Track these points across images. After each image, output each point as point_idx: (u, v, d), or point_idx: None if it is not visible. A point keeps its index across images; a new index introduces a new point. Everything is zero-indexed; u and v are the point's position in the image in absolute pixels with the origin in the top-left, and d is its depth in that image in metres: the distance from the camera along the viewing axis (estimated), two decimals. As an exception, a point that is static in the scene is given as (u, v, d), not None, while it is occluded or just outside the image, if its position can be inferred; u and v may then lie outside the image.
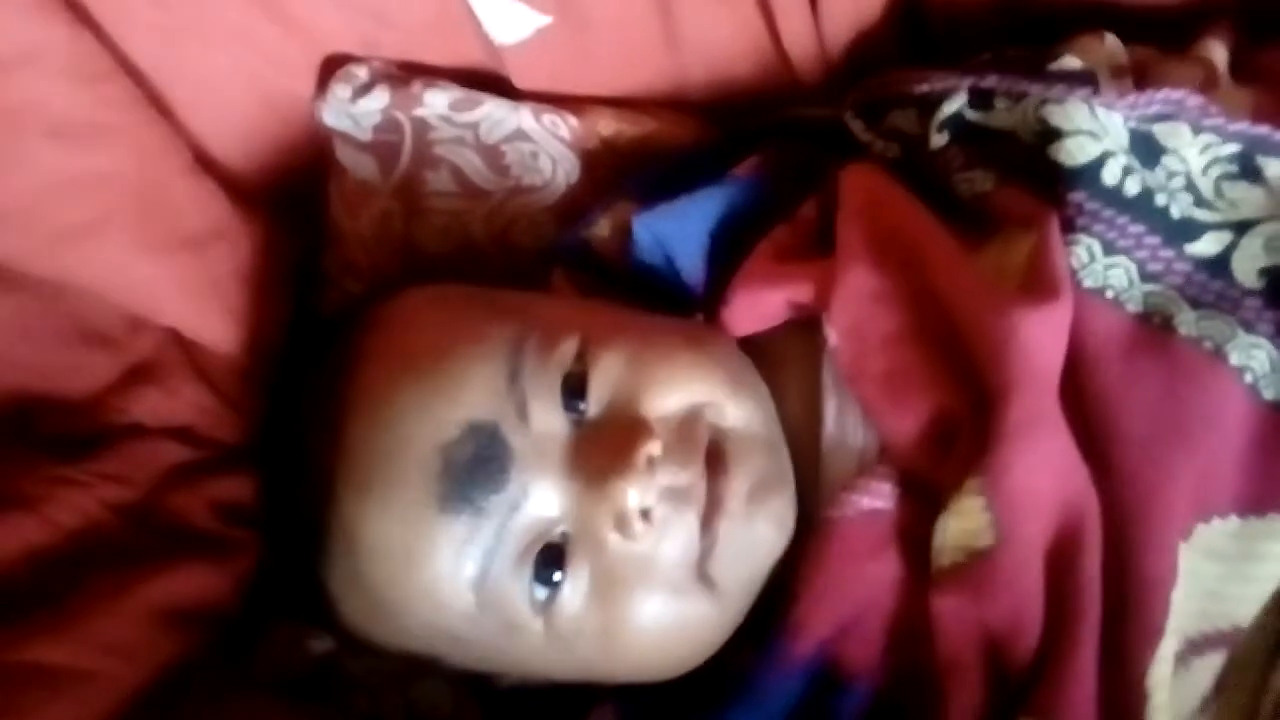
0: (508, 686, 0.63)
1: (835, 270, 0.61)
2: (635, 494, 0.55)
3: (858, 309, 0.60)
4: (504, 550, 0.56)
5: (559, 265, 0.67)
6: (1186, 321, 0.58)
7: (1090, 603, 0.55)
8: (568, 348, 0.57)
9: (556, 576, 0.56)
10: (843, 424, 0.60)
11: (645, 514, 0.55)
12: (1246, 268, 0.58)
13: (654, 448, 0.55)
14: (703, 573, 0.57)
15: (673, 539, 0.57)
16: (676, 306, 0.65)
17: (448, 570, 0.56)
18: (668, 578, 0.57)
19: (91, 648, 0.57)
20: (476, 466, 0.55)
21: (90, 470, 0.61)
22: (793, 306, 0.62)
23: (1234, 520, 0.56)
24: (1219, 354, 0.56)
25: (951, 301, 0.59)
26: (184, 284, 0.63)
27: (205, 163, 0.66)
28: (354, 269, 0.69)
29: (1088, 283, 0.58)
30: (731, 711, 0.58)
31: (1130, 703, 0.54)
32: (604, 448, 0.56)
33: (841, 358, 0.60)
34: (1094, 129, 0.59)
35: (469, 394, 0.56)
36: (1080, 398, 0.57)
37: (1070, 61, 0.61)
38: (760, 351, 0.63)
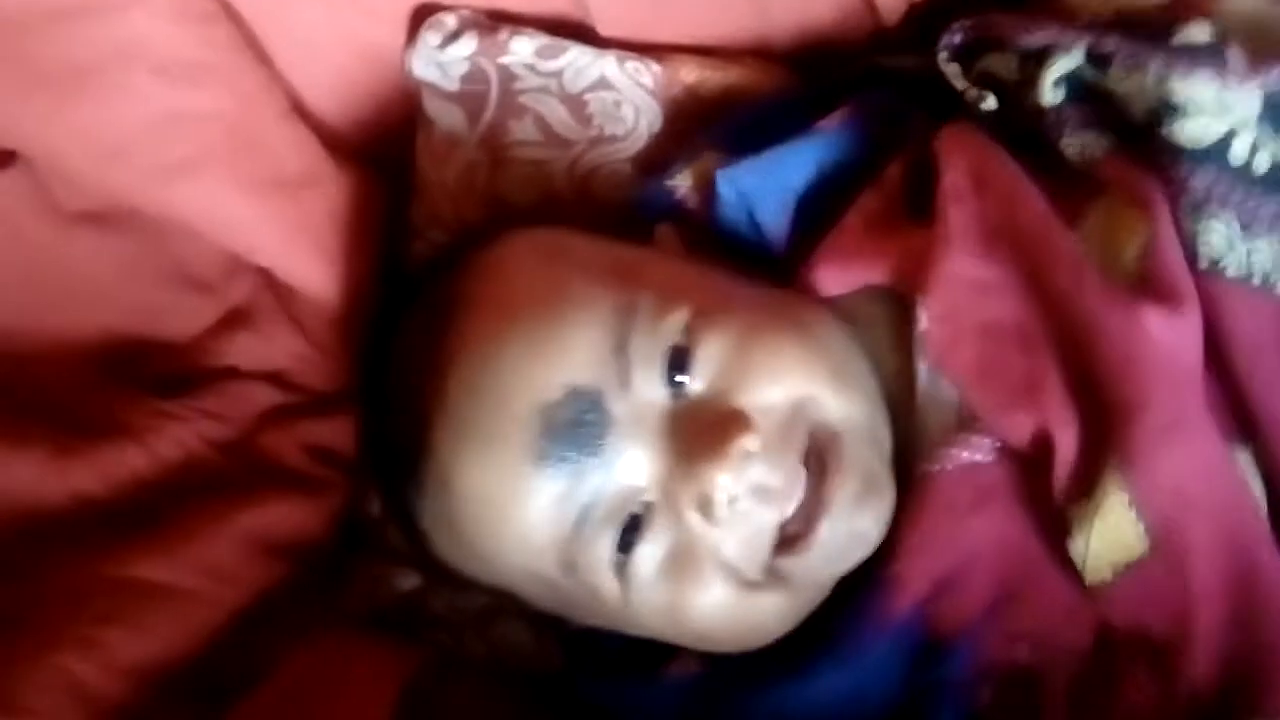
0: (587, 624, 0.64)
1: (934, 250, 0.58)
2: (726, 480, 0.54)
3: (955, 295, 0.58)
4: (594, 509, 0.56)
5: (667, 221, 0.65)
6: None
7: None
8: (677, 319, 0.56)
9: (636, 542, 0.56)
10: (936, 381, 0.59)
11: (731, 501, 0.55)
12: None
13: (752, 442, 0.54)
14: (774, 569, 0.57)
15: (744, 536, 0.56)
16: (758, 262, 0.64)
17: (537, 524, 0.56)
18: (736, 569, 0.56)
19: (191, 568, 0.60)
20: (575, 428, 0.55)
21: (189, 406, 0.64)
22: (883, 281, 0.61)
23: None
24: None
25: (1074, 303, 0.56)
26: (278, 224, 0.64)
27: (300, 112, 0.67)
28: (439, 220, 0.69)
29: (1230, 272, 0.55)
30: (823, 671, 0.58)
31: None
32: (703, 430, 0.55)
33: (932, 341, 0.58)
34: (1220, 107, 0.56)
35: (573, 358, 0.56)
36: (1237, 392, 0.55)
37: (1197, 33, 0.57)
38: (848, 309, 0.62)
